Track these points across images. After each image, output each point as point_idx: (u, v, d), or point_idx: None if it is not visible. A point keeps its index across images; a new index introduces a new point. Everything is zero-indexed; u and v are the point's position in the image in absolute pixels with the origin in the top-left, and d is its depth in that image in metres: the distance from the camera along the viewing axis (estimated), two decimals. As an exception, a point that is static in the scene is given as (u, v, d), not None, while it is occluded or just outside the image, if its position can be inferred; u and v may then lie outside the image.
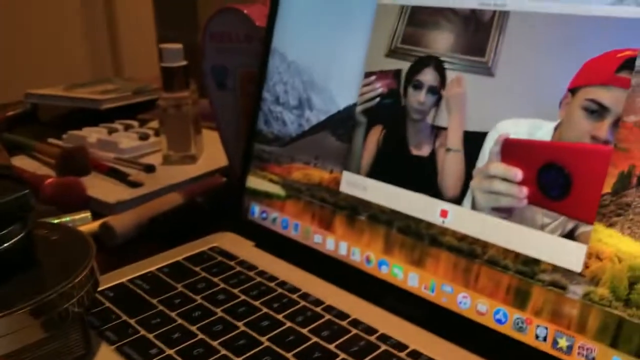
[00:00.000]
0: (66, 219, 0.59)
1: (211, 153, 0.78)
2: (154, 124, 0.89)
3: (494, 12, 0.40)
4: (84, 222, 0.59)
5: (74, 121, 1.02)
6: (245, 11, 0.59)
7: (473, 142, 0.41)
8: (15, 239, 0.37)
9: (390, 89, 0.46)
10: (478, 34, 0.41)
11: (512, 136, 0.39)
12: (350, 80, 0.49)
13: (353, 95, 0.48)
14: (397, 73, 0.45)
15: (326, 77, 0.50)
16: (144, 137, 0.80)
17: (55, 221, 0.58)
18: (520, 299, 0.38)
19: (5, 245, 0.37)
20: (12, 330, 0.34)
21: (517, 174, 0.38)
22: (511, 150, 0.39)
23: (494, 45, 0.40)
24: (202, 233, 0.57)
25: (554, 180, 0.37)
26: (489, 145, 0.40)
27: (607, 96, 0.35)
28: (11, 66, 1.69)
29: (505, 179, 0.39)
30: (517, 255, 0.38)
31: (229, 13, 0.59)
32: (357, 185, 0.48)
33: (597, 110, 0.35)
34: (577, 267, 0.35)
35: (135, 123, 0.88)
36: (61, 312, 0.36)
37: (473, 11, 0.41)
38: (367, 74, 0.47)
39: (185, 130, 0.74)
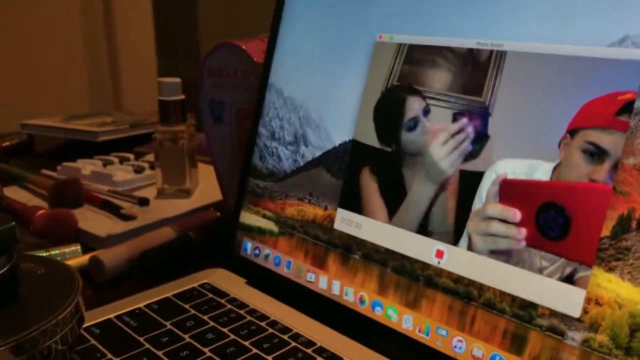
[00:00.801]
0: (55, 252, 0.58)
1: (206, 187, 0.77)
2: (150, 157, 0.88)
3: (492, 51, 0.40)
4: (74, 256, 0.58)
5: (70, 152, 1.02)
6: (243, 47, 0.59)
7: (469, 182, 0.40)
8: (-1, 272, 0.36)
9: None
10: (475, 73, 0.41)
11: (510, 176, 0.38)
12: (346, 117, 0.48)
13: (349, 132, 0.48)
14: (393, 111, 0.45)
15: (322, 113, 0.50)
16: (139, 170, 0.80)
17: (44, 254, 0.57)
18: (517, 344, 0.37)
19: (-12, 279, 0.36)
20: (-8, 369, 0.33)
21: (516, 214, 0.38)
22: (509, 190, 0.38)
23: (491, 84, 0.40)
24: (194, 268, 0.56)
25: (553, 221, 0.36)
26: (486, 186, 0.39)
27: (607, 139, 0.35)
28: (10, 96, 1.69)
29: (503, 220, 0.38)
30: (514, 299, 0.37)
31: (227, 48, 0.59)
32: (351, 222, 0.47)
33: (597, 153, 0.35)
34: (576, 312, 0.34)
35: (130, 156, 0.87)
36: (43, 350, 0.35)
37: (471, 50, 0.41)
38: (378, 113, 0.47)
39: (180, 164, 0.74)
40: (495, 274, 0.38)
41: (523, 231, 0.37)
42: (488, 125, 0.40)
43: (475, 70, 0.41)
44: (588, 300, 0.34)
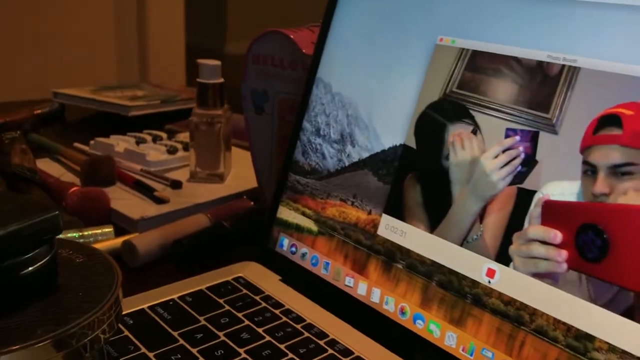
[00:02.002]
0: (88, 232, 0.57)
1: (239, 173, 0.76)
2: (182, 136, 0.87)
3: (563, 66, 0.38)
4: (106, 238, 0.57)
5: (100, 125, 1.01)
6: (291, 36, 0.57)
7: (520, 200, 0.39)
8: (40, 262, 0.35)
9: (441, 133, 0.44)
10: (543, 87, 0.39)
11: (552, 197, 0.37)
12: (398, 120, 0.46)
13: (400, 136, 0.46)
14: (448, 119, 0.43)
15: (372, 114, 0.48)
16: (172, 150, 0.79)
17: (77, 235, 0.57)
18: (568, 376, 0.35)
19: (30, 269, 0.35)
20: (33, 363, 0.32)
21: (556, 235, 0.36)
22: (551, 212, 0.37)
23: (560, 101, 0.38)
24: (227, 259, 0.55)
25: (591, 242, 0.35)
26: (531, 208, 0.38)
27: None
28: (40, 64, 1.69)
29: (544, 242, 0.37)
30: (568, 328, 0.36)
31: (274, 36, 0.58)
32: (396, 230, 0.45)
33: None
34: (637, 350, 0.33)
35: (163, 134, 0.86)
36: (84, 345, 0.34)
37: (540, 63, 0.39)
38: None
39: (215, 148, 0.73)
40: (548, 299, 0.37)
41: (563, 253, 0.36)
42: (553, 144, 0.38)
43: (543, 84, 0.39)
44: (651, 339, 0.32)
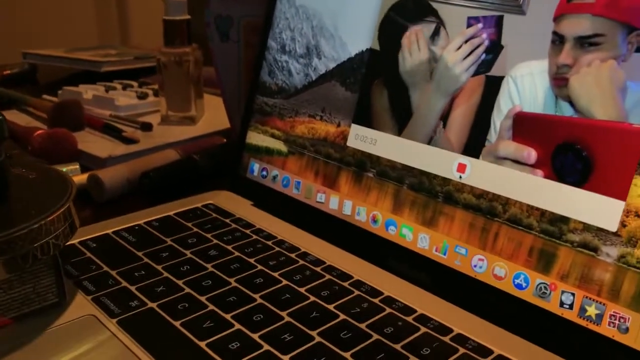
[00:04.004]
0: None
1: (212, 117, 0.74)
2: (155, 86, 0.85)
3: (529, -56, 0.36)
4: (73, 174, 0.55)
5: (72, 83, 0.99)
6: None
7: (491, 87, 0.37)
8: (-16, 168, 0.33)
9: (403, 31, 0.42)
10: (509, -32, 0.37)
11: (524, 109, 0.35)
12: (363, 25, 0.44)
13: (367, 40, 0.44)
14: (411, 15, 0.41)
15: (338, 22, 0.46)
16: (142, 96, 0.76)
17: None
18: (544, 262, 0.34)
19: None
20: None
21: (530, 154, 0.34)
22: (523, 126, 0.35)
23: (527, -20, 0.36)
24: (197, 191, 0.53)
25: (571, 165, 0.33)
26: (506, 104, 0.36)
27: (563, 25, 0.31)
28: (12, 26, 1.65)
29: (516, 161, 0.35)
30: (543, 213, 0.34)
31: (236, -43, 0.55)
32: (366, 139, 0.44)
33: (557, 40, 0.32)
34: (612, 226, 0.31)
35: (134, 83, 0.84)
36: (31, 251, 0.32)
37: (505, -57, 0.37)
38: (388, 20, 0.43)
39: (185, 89, 0.70)
40: (522, 186, 0.35)
41: (539, 173, 0.34)
42: (521, 25, 0.36)
43: (509, -35, 0.37)
44: (627, 212, 0.31)
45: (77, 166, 0.57)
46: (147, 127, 0.68)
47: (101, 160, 0.60)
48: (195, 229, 0.46)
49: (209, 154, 0.59)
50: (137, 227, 0.46)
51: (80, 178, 0.54)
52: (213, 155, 0.59)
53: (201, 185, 0.56)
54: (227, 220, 0.47)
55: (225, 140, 0.65)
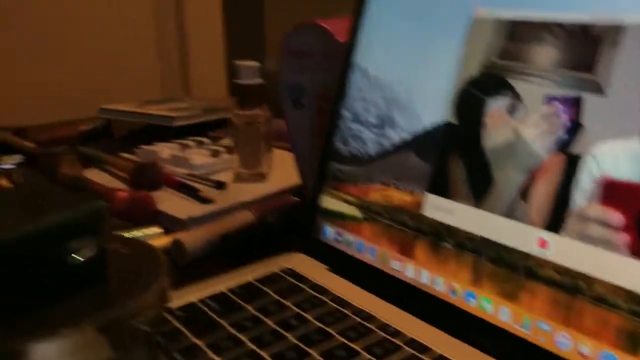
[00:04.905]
0: (138, 233, 0.58)
1: (282, 172, 0.76)
2: (226, 141, 0.88)
3: (607, 25, 0.37)
4: (155, 237, 0.58)
5: (146, 137, 1.04)
6: (324, 26, 0.57)
7: (570, 166, 0.37)
8: (89, 253, 0.36)
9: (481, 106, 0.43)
10: (587, 49, 0.37)
11: (614, 176, 0.35)
12: (438, 98, 0.46)
13: (440, 112, 0.45)
14: (490, 91, 0.42)
15: (411, 93, 0.48)
16: (215, 154, 0.80)
17: (127, 235, 0.58)
18: (633, 343, 0.34)
19: (78, 259, 0.35)
20: (79, 348, 0.32)
21: (618, 218, 0.35)
22: (611, 191, 0.35)
23: (607, 61, 0.36)
24: (272, 253, 0.55)
25: None
26: (586, 176, 0.36)
27: None
28: (83, 82, 1.74)
29: (602, 223, 0.35)
30: (629, 294, 0.34)
31: (308, 28, 0.58)
32: (442, 208, 0.44)
33: None
34: None
35: (207, 140, 0.87)
36: (130, 330, 0.34)
37: (583, 25, 0.38)
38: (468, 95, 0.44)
39: (256, 148, 0.73)
40: (607, 265, 0.35)
41: (624, 237, 0.34)
42: (600, 105, 0.36)
43: (587, 46, 0.37)
44: None
45: (160, 230, 0.59)
46: (221, 185, 0.71)
47: (181, 221, 0.62)
48: (275, 297, 0.47)
49: (283, 214, 0.61)
50: (220, 294, 0.48)
51: (163, 241, 0.57)
52: (286, 216, 0.61)
53: (275, 244, 0.58)
54: (306, 287, 0.48)
55: (296, 198, 0.67)
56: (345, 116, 0.53)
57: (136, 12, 1.88)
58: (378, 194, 0.49)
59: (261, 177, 0.74)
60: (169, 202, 0.67)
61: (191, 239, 0.56)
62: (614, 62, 0.36)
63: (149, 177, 0.71)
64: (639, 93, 0.35)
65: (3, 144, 0.92)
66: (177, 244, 0.56)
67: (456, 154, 0.44)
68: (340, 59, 0.55)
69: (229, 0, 2.17)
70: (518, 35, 0.41)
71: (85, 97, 1.65)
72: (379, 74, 0.51)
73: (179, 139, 0.90)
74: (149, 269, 0.39)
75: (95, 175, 0.78)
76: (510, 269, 0.40)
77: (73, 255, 0.35)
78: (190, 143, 0.85)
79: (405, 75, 0.48)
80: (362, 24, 0.53)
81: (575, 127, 0.37)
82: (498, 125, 0.42)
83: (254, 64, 0.72)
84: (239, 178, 0.74)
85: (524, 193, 0.39)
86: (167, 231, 0.61)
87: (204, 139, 0.87)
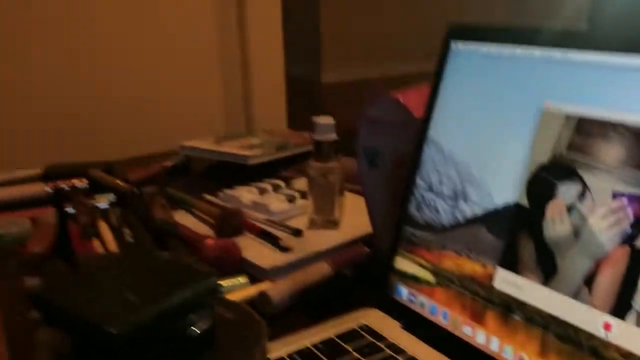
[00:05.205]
0: (228, 283, 0.64)
1: (353, 218, 0.81)
2: (297, 183, 0.94)
3: (669, 130, 0.40)
4: (243, 287, 0.64)
5: (222, 173, 1.11)
6: (401, 99, 0.62)
7: (636, 259, 0.41)
8: (204, 325, 0.42)
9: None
10: (651, 151, 0.41)
11: None
12: (509, 179, 0.50)
13: (511, 194, 0.49)
14: (562, 179, 0.46)
15: (484, 172, 0.52)
16: (291, 199, 0.85)
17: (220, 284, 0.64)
18: None
19: (196, 331, 0.41)
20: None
21: None
22: None
23: (669, 164, 0.40)
24: (347, 305, 0.60)
25: None
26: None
27: None
28: (151, 116, 1.86)
29: None
30: (689, 383, 0.37)
31: (386, 100, 0.63)
32: (512, 283, 0.48)
33: None
34: None
35: (282, 183, 0.93)
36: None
37: (646, 128, 0.41)
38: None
39: (330, 197, 0.79)
40: (667, 354, 0.38)
41: None
42: (663, 204, 0.40)
43: (651, 147, 0.41)
44: None
45: (247, 279, 0.65)
46: (298, 233, 0.77)
47: (265, 270, 0.68)
48: (355, 354, 0.52)
49: (358, 267, 0.66)
50: (307, 350, 0.53)
51: (250, 292, 0.63)
52: (360, 268, 0.66)
53: (351, 297, 0.63)
54: (383, 346, 0.53)
55: (367, 249, 0.72)
56: (419, 185, 0.58)
57: (203, 49, 2.00)
58: (451, 261, 0.54)
59: (334, 224, 0.79)
60: (252, 249, 0.73)
61: (276, 291, 0.62)
62: (677, 166, 0.39)
63: (233, 225, 0.77)
64: (700, 198, 0.38)
65: (96, 181, 1.01)
66: (263, 296, 0.61)
67: (525, 234, 0.48)
68: (414, 130, 0.60)
69: (290, 41, 2.26)
70: (585, 130, 0.45)
71: (159, 130, 1.76)
72: (453, 150, 0.55)
73: (252, 173, 0.97)
74: (251, 335, 0.45)
75: (182, 218, 0.85)
76: (576, 346, 0.43)
77: (192, 327, 0.41)
78: (268, 187, 0.91)
79: (478, 154, 0.53)
80: (438, 102, 0.57)
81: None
82: (566, 212, 0.46)
83: (329, 120, 0.77)
84: (313, 224, 0.80)
85: (590, 279, 0.43)
86: (250, 276, 0.67)
87: (279, 182, 0.94)
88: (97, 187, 1.00)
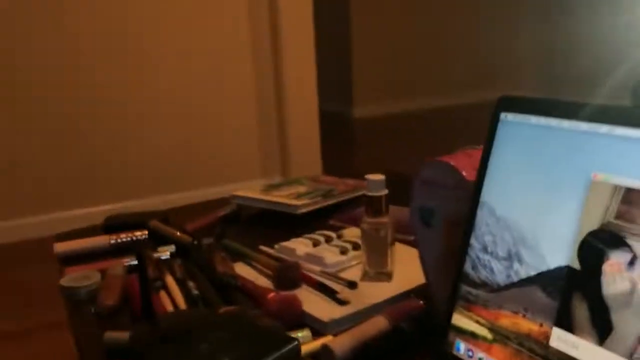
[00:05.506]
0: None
1: (404, 269, 0.85)
2: (347, 233, 0.99)
3: None
4: (306, 340, 0.68)
5: (270, 221, 1.16)
6: (452, 163, 0.66)
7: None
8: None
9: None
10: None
11: None
12: (561, 243, 0.53)
13: (564, 258, 0.53)
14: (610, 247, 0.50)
15: (537, 237, 0.56)
16: (344, 251, 0.90)
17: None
18: None
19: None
20: None
21: None
22: None
23: None
24: (405, 357, 0.64)
25: None
26: None
27: None
28: (192, 156, 1.94)
29: None
30: None
31: (439, 164, 0.67)
32: (567, 342, 0.52)
33: None
34: None
35: (333, 234, 0.98)
36: None
37: (692, 202, 0.45)
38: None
39: (383, 250, 0.83)
40: None
41: None
42: None
43: (697, 220, 0.44)
44: None
45: (309, 332, 0.70)
46: (353, 285, 0.81)
47: (324, 323, 0.72)
48: (420, 409, 0.56)
49: (415, 321, 0.70)
50: (372, 405, 0.57)
51: (313, 345, 0.67)
52: (416, 322, 0.70)
53: (409, 351, 0.67)
54: (445, 400, 0.57)
55: (421, 302, 0.75)
56: (474, 245, 0.62)
57: (240, 94, 2.09)
58: (508, 320, 0.57)
59: (387, 276, 0.83)
60: (310, 302, 0.78)
61: (339, 345, 0.66)
62: None
63: (291, 278, 0.81)
64: None
65: (155, 232, 1.07)
66: (326, 350, 0.65)
67: (579, 295, 0.52)
68: (466, 192, 0.64)
69: (322, 76, 2.35)
70: (632, 200, 0.49)
71: (201, 168, 1.84)
72: (505, 214, 0.59)
73: (301, 222, 1.02)
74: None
75: (241, 270, 0.90)
76: (633, 405, 0.46)
77: (278, 388, 0.45)
78: (320, 239, 0.96)
79: (530, 219, 0.57)
80: (489, 168, 0.62)
81: (689, 292, 0.44)
82: (617, 275, 0.49)
83: (380, 177, 0.82)
84: (366, 276, 0.84)
85: (644, 342, 0.46)
86: (310, 328, 0.71)
87: (331, 234, 0.98)
88: (156, 238, 1.06)
